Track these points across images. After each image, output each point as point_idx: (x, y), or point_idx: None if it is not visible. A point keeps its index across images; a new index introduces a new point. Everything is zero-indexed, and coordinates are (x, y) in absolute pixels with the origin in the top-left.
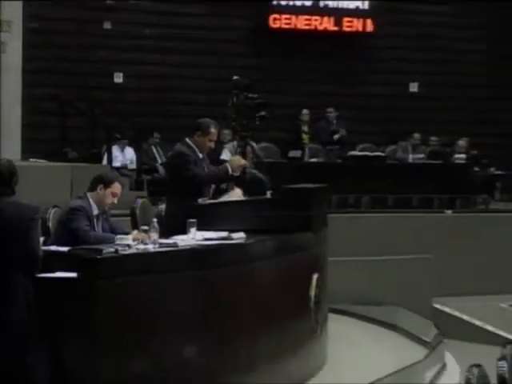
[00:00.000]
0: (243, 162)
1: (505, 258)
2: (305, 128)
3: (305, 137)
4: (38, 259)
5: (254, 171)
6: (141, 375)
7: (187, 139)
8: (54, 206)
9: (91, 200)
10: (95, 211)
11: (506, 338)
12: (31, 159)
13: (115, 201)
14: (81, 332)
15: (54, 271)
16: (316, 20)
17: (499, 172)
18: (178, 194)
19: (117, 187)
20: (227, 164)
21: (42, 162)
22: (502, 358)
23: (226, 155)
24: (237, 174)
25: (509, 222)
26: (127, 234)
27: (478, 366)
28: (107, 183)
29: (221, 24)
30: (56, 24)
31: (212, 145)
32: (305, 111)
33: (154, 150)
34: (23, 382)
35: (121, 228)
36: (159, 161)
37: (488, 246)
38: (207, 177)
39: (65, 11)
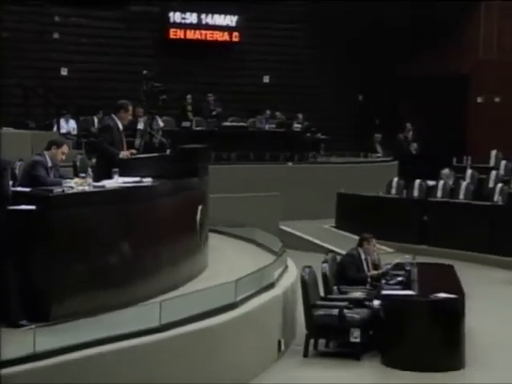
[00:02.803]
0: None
1: (326, 193)
2: (189, 107)
3: (189, 114)
4: (8, 197)
5: (159, 136)
6: (83, 276)
7: (113, 115)
8: (20, 160)
9: (47, 156)
10: (50, 164)
11: (327, 248)
12: (4, 128)
13: (64, 157)
14: (39, 248)
15: (19, 205)
16: (200, 33)
17: (323, 137)
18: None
19: (65, 148)
20: (120, 153)
21: (11, 130)
22: (325, 261)
23: (140, 125)
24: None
25: (328, 170)
26: (71, 179)
27: (309, 267)
28: (59, 145)
29: (135, 35)
30: (21, 34)
31: (130, 118)
32: (188, 96)
33: (96, 121)
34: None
35: (66, 175)
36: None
37: (315, 186)
38: (105, 149)
39: (27, 25)
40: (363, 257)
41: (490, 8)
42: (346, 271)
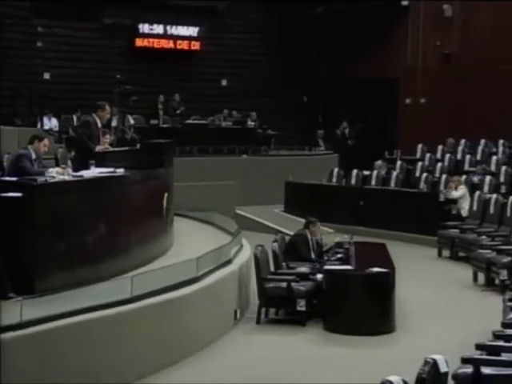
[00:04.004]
0: (103, 148)
1: (276, 182)
2: (160, 106)
3: (160, 112)
4: None
5: (130, 132)
6: (64, 254)
7: (93, 113)
8: (8, 153)
9: (31, 150)
10: (34, 156)
11: (277, 230)
12: None
13: (46, 149)
14: (24, 230)
15: (7, 192)
16: (165, 41)
17: (273, 133)
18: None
19: (47, 141)
20: (95, 147)
21: (2, 127)
22: (275, 241)
23: (114, 123)
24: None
25: (278, 162)
26: (53, 169)
27: (261, 245)
28: (41, 139)
29: (109, 44)
30: (8, 42)
31: (108, 116)
32: (161, 96)
33: (75, 119)
34: None
35: (48, 166)
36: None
37: (267, 176)
38: (83, 142)
39: (13, 35)
40: (309, 237)
41: (415, 22)
42: (299, 249)
